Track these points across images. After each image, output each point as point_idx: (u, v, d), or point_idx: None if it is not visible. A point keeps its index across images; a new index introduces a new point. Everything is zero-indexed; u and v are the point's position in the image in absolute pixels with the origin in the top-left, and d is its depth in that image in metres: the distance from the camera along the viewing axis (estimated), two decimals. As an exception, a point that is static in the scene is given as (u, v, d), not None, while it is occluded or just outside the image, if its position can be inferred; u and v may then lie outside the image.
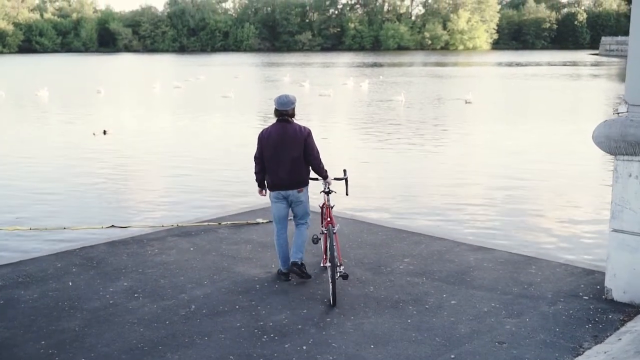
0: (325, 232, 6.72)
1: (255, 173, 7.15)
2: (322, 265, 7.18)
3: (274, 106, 7.01)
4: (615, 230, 6.32)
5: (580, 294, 6.57)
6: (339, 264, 6.57)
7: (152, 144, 20.15)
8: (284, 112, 6.92)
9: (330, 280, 6.39)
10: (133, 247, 8.24)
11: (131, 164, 16.85)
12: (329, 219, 6.74)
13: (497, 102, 33.44)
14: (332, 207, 6.94)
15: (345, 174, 7.23)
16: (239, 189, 13.61)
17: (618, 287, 6.34)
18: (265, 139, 6.95)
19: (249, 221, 9.43)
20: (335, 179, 7.12)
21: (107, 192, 13.48)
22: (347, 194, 7.21)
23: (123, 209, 12.02)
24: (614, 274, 6.35)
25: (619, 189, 6.26)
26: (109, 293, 6.68)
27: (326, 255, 6.81)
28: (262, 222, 9.35)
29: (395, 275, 7.16)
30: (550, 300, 6.41)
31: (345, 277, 6.55)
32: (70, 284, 6.95)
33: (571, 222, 11.16)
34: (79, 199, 12.85)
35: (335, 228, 6.66)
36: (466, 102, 31.94)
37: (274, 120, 7.08)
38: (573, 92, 39.40)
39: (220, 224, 9.30)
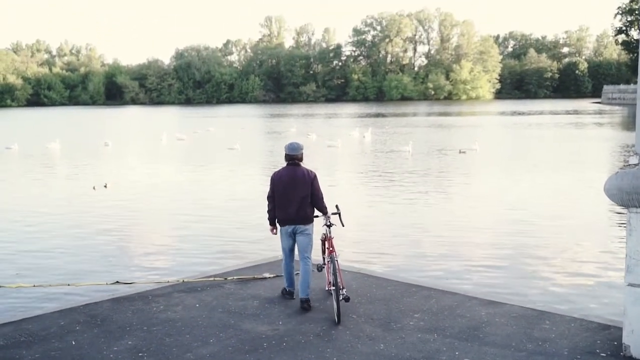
0: (329, 260, 7.61)
1: (267, 211, 8.11)
2: (326, 289, 8.16)
3: (285, 152, 7.99)
4: (631, 285, 6.17)
5: (597, 350, 6.38)
6: (342, 287, 7.45)
7: (156, 198, 20.09)
8: (294, 156, 7.95)
9: (335, 302, 7.26)
10: (138, 304, 8.10)
11: (135, 218, 16.77)
12: (331, 249, 7.62)
13: (502, 152, 33.46)
14: (332, 238, 7.77)
15: (338, 209, 8.19)
16: (245, 243, 13.48)
17: (637, 344, 6.15)
18: (277, 180, 7.96)
19: (255, 276, 9.29)
20: (333, 213, 8.06)
21: (111, 247, 13.35)
22: (342, 225, 8.21)
23: (128, 265, 11.87)
24: (632, 329, 6.18)
25: (633, 242, 6.14)
26: (113, 352, 6.52)
27: (330, 280, 7.66)
28: (269, 277, 9.21)
29: (406, 332, 6.99)
30: (566, 357, 6.23)
31: (347, 299, 7.39)
32: (74, 343, 6.80)
33: (582, 274, 10.97)
34: (83, 255, 12.70)
35: (337, 256, 7.56)
36: (460, 152, 32.04)
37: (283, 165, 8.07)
38: (578, 140, 39.46)
39: (226, 279, 9.16)
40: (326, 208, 8.00)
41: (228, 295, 8.45)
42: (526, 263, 11.67)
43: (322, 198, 7.99)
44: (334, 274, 7.32)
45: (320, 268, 8.23)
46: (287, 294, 8.21)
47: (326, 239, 7.91)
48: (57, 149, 37.44)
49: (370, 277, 9.22)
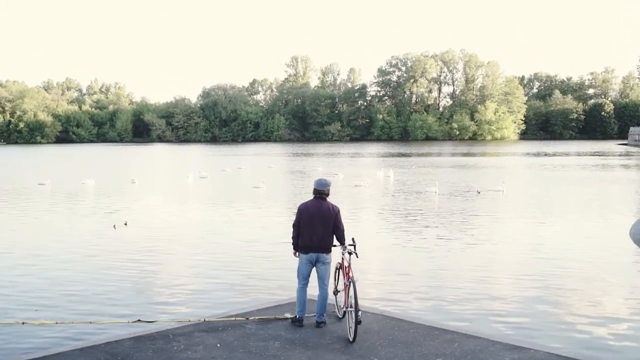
0: (347, 284, 8.40)
1: (292, 237, 8.96)
2: (342, 309, 8.91)
3: (314, 186, 8.86)
4: (659, 333, 6.03)
5: (625, 400, 6.21)
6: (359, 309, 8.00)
7: (178, 236, 20.12)
8: (322, 191, 8.81)
9: (353, 322, 7.93)
10: (159, 343, 8.10)
11: (157, 256, 16.80)
12: (350, 274, 8.35)
13: (527, 194, 33.16)
14: (349, 265, 8.49)
15: (353, 241, 8.85)
16: (266, 282, 13.42)
17: (665, 394, 5.99)
18: (304, 210, 8.80)
19: (277, 316, 9.27)
20: (349, 244, 8.78)
21: (133, 285, 13.35)
22: (357, 256, 8.72)
23: (149, 303, 11.85)
24: (660, 379, 6.02)
25: (660, 289, 6.02)
26: (132, 392, 6.50)
27: (347, 304, 8.44)
28: (290, 317, 9.18)
29: (428, 377, 6.88)
30: (593, 406, 6.07)
31: (358, 322, 7.90)
32: (94, 381, 6.79)
33: (608, 320, 10.73)
34: (104, 293, 12.68)
35: (356, 280, 8.28)
36: (478, 192, 31.90)
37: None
38: (604, 183, 39.00)
39: (247, 319, 9.15)
40: (345, 239, 8.87)
41: (249, 335, 8.42)
42: (551, 307, 11.46)
43: (344, 230, 8.87)
44: (355, 296, 7.99)
45: (336, 292, 9.25)
46: (297, 321, 8.79)
47: (342, 267, 8.88)
48: (91, 185, 37.97)
49: (392, 319, 9.14)
